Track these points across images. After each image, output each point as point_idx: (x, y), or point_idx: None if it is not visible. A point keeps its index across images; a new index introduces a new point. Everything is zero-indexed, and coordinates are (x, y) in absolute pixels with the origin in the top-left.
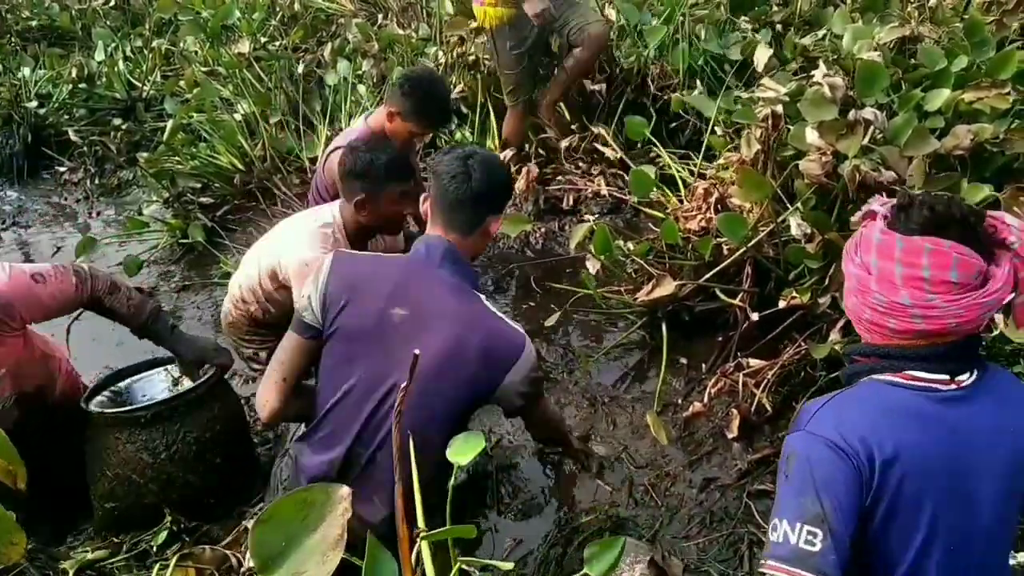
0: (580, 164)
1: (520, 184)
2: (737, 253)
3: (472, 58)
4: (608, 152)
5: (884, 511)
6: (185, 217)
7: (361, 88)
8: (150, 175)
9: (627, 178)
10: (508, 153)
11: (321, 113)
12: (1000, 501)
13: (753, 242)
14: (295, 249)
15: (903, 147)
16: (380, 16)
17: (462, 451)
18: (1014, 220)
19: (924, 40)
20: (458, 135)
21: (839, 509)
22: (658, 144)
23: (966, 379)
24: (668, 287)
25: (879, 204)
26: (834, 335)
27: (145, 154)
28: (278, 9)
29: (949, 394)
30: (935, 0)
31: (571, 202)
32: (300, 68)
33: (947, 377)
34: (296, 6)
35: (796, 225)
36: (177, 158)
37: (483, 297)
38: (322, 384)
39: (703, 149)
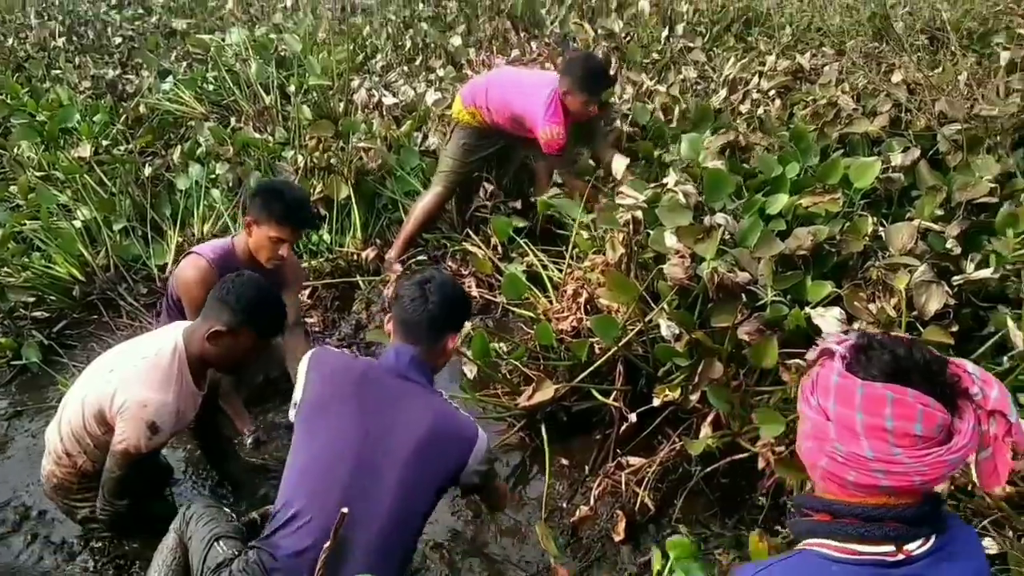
0: (450, 266)
1: (388, 291)
2: (609, 353)
3: (333, 160)
4: (479, 253)
5: None
6: (17, 335)
7: (215, 192)
8: None
9: (496, 280)
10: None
11: (171, 218)
12: None
13: (623, 342)
14: (137, 387)
15: (753, 249)
16: (233, 119)
17: None
18: (975, 369)
19: (755, 148)
20: (315, 237)
21: None
22: (529, 245)
23: (916, 548)
24: (548, 391)
25: (835, 342)
26: (705, 429)
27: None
28: (121, 112)
29: (892, 569)
30: (762, 110)
31: None
32: (147, 171)
33: (893, 548)
34: (142, 108)
35: (666, 327)
36: (7, 269)
37: (443, 394)
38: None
39: (571, 250)
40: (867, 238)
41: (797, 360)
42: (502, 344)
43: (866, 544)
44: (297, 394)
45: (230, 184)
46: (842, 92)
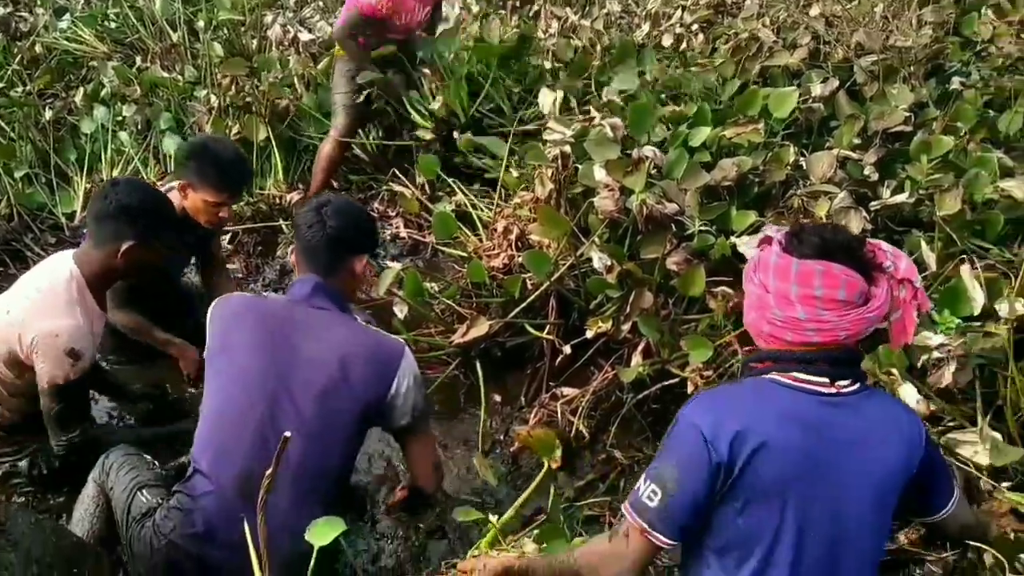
0: (377, 208)
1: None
2: (541, 288)
3: (248, 99)
4: (407, 193)
5: (742, 497)
6: None
7: (123, 135)
8: None
9: (425, 220)
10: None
11: (77, 164)
12: (867, 508)
13: (556, 276)
14: (40, 319)
15: (680, 181)
16: (139, 58)
17: (322, 533)
18: (888, 247)
19: (678, 82)
20: None
21: (682, 481)
22: (458, 184)
23: (846, 385)
24: (483, 327)
25: (774, 231)
26: (636, 358)
27: None
28: (16, 52)
29: (828, 397)
30: (685, 45)
31: None
32: (48, 115)
33: (827, 380)
34: (38, 48)
35: (598, 259)
36: None
37: (357, 317)
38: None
39: (499, 188)
40: (789, 167)
41: (723, 288)
42: (434, 284)
43: (806, 374)
44: (208, 340)
45: (138, 126)
46: (763, 26)
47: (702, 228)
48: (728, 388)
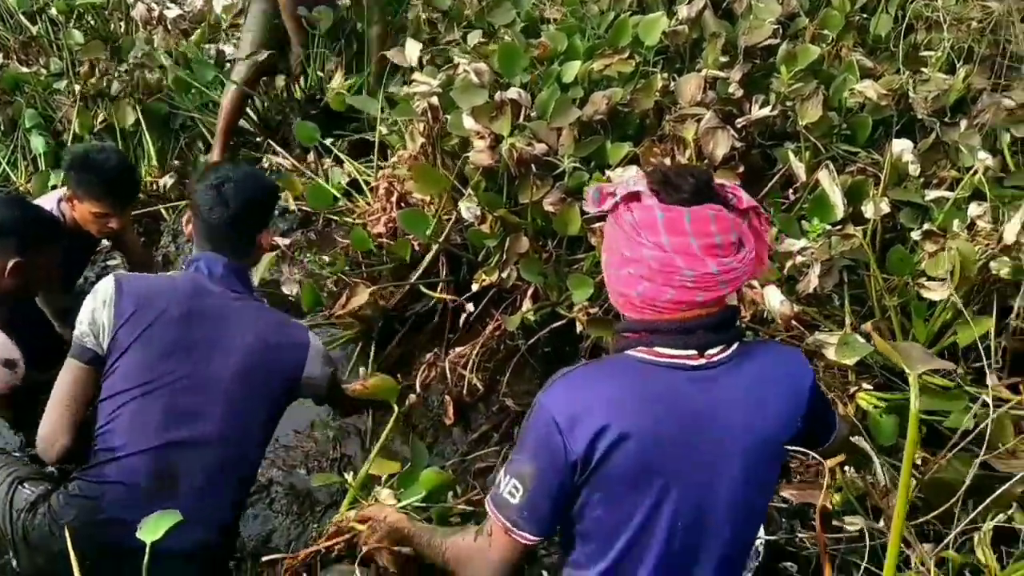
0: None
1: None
2: (431, 249)
3: (114, 85)
4: (286, 164)
5: (602, 490)
6: None
7: None
8: None
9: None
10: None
11: None
12: (741, 483)
13: (444, 235)
14: None
15: (550, 120)
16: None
17: (153, 529)
18: (726, 181)
19: (551, 21)
20: None
21: (540, 475)
22: (341, 151)
23: (717, 352)
24: (363, 295)
25: (634, 183)
26: (526, 303)
27: None
28: None
29: (697, 371)
30: None
31: None
32: None
33: (695, 352)
34: None
35: (466, 209)
36: None
37: (264, 302)
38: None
39: (377, 149)
40: (658, 94)
41: (603, 223)
42: (323, 257)
43: (672, 348)
44: (91, 316)
45: (2, 127)
46: None
47: (575, 166)
48: (588, 370)
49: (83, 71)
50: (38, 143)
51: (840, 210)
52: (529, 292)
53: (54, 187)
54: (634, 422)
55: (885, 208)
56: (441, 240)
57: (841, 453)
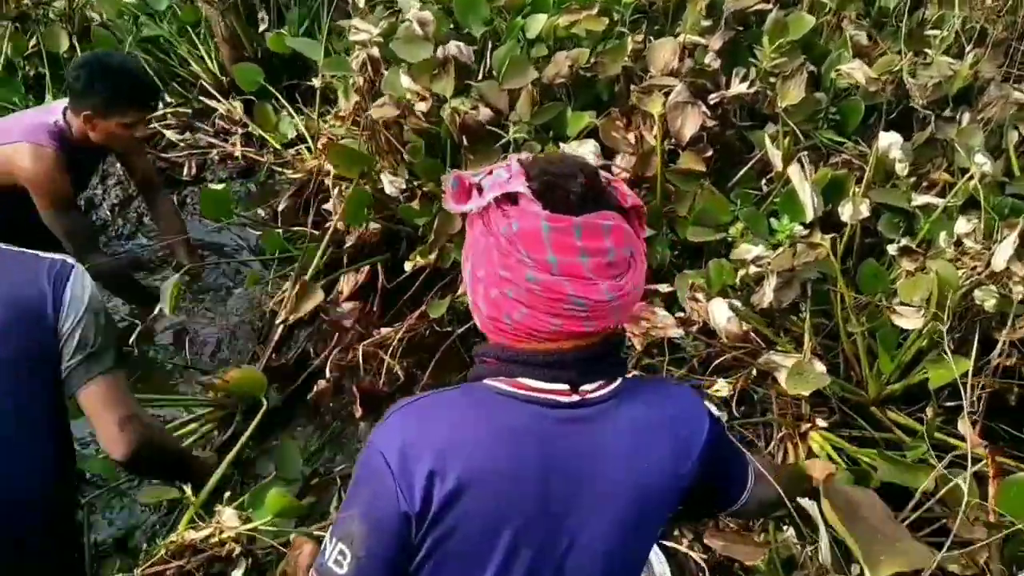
0: (217, 123)
1: (119, 165)
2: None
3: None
4: (230, 111)
5: (441, 550)
6: None
7: None
8: None
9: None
10: None
11: None
12: (617, 536)
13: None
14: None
15: (502, 80)
16: None
17: None
18: (607, 173)
19: None
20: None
21: (371, 541)
22: (281, 97)
23: (594, 389)
24: (316, 297)
25: (509, 179)
26: (461, 288)
27: None
28: None
29: (568, 409)
30: None
31: (194, 169)
32: None
33: (566, 387)
34: None
35: (389, 183)
36: None
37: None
38: None
39: (319, 98)
40: (628, 59)
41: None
42: (260, 212)
43: (539, 381)
44: None
45: None
46: None
47: (525, 136)
48: (432, 401)
49: None
50: None
51: (810, 211)
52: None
53: None
54: (481, 466)
55: (865, 211)
56: (374, 218)
57: (768, 514)
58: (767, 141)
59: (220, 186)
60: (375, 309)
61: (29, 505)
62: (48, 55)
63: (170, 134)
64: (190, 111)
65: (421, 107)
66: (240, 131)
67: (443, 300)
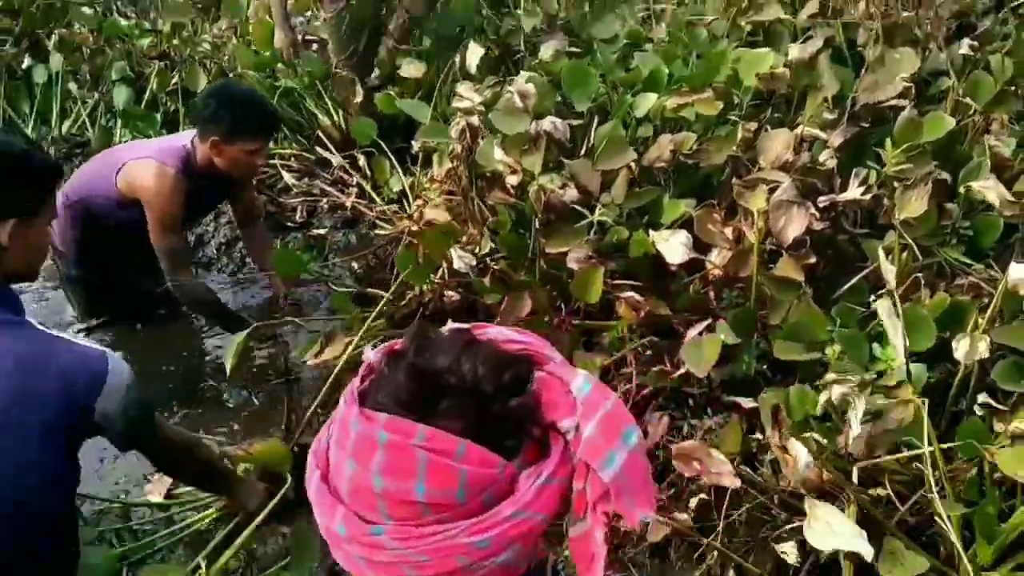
0: (335, 173)
1: None
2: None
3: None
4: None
5: None
6: None
7: (72, 86)
8: None
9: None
10: None
11: (31, 116)
12: None
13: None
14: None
15: (596, 160)
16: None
17: None
18: (584, 382)
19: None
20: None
21: None
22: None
23: None
24: (339, 345)
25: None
26: None
27: None
28: None
29: None
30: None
31: (304, 215)
32: None
33: None
34: None
35: (457, 258)
36: None
37: (35, 322)
38: None
39: (419, 162)
40: (739, 148)
41: (632, 293)
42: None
43: None
44: None
45: (88, 79)
46: None
47: (609, 219)
48: None
49: (165, 31)
50: (120, 96)
51: (900, 355)
52: None
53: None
54: None
55: (984, 351)
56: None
57: None
58: (880, 254)
59: (318, 234)
60: None
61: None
62: (185, 92)
63: (288, 178)
64: (312, 158)
65: (512, 180)
66: (355, 183)
67: None
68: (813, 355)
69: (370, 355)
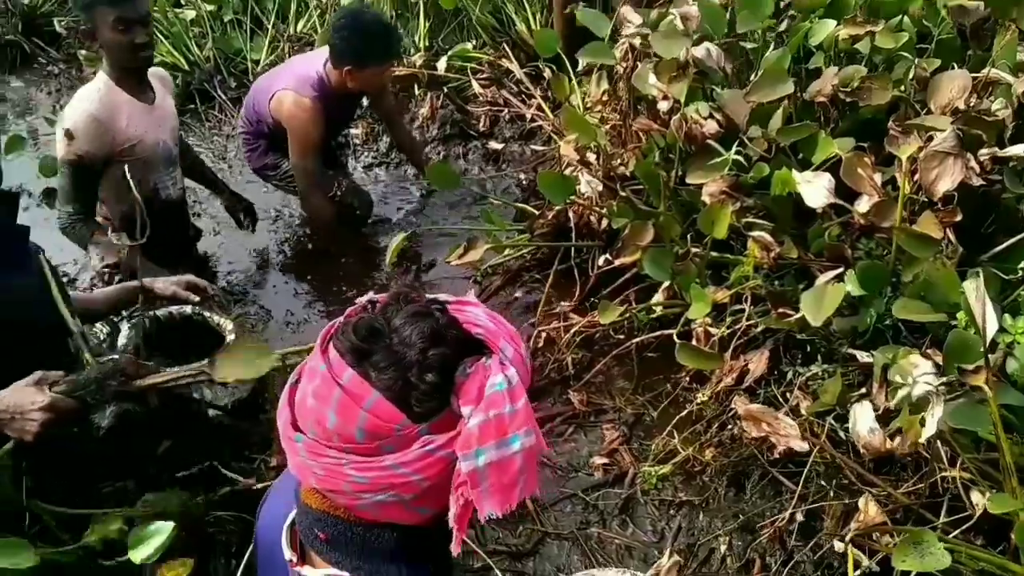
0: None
1: (424, 110)
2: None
3: None
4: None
5: None
6: None
7: None
8: (82, 78)
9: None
10: None
11: (273, 13)
12: None
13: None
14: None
15: (749, 91)
16: None
17: None
18: (497, 377)
19: None
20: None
21: None
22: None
23: None
24: (479, 250)
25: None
26: (659, 295)
27: (84, 52)
28: None
29: None
30: None
31: (487, 124)
32: None
33: None
34: None
35: (585, 183)
36: None
37: None
38: None
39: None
40: (907, 88)
41: (762, 233)
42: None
43: None
44: None
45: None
46: None
47: (763, 155)
48: None
49: None
50: None
51: (982, 344)
52: (665, 283)
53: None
54: None
55: None
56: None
57: None
58: None
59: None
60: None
61: None
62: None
63: (476, 86)
64: (503, 68)
65: (663, 106)
66: (538, 95)
67: (612, 307)
68: (938, 316)
69: (360, 301)
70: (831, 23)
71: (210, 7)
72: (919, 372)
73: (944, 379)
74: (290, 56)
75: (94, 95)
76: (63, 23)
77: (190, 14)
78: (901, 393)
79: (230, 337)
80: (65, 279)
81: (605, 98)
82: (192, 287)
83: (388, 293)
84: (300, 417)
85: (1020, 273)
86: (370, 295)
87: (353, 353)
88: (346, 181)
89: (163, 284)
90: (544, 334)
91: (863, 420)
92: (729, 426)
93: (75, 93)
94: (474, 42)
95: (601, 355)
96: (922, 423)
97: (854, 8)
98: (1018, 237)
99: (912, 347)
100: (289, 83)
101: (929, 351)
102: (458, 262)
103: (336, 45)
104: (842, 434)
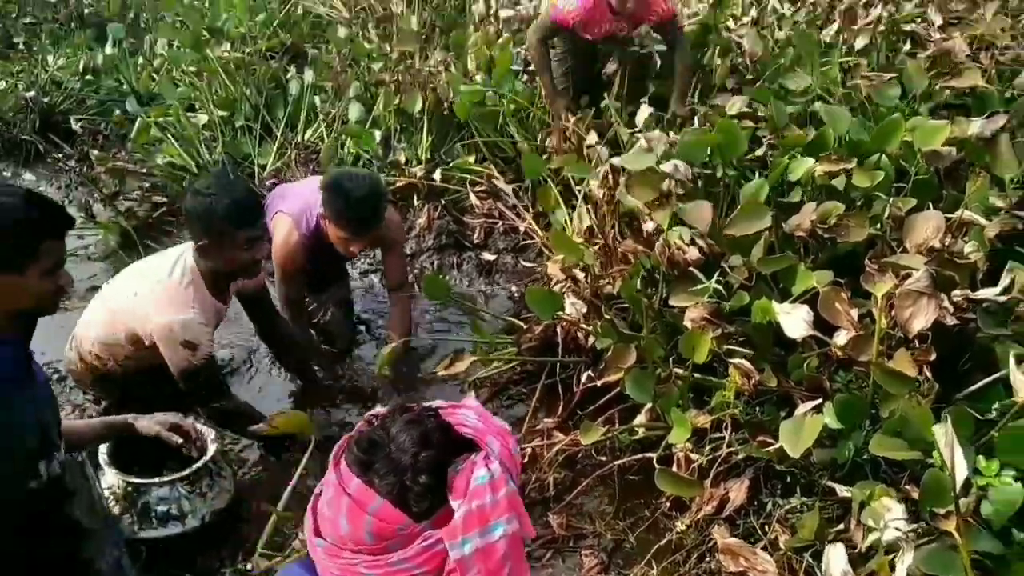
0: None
1: (422, 220)
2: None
3: (426, 72)
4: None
5: None
6: (129, 216)
7: (317, 99)
8: (93, 176)
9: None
10: None
11: (283, 121)
12: None
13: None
14: (158, 313)
15: (729, 224)
16: (371, 25)
17: None
18: (480, 471)
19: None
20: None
21: None
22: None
23: None
24: (464, 363)
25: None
26: (640, 417)
27: (96, 152)
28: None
29: None
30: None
31: (482, 236)
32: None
33: None
34: (299, 9)
35: (570, 304)
36: (139, 155)
37: None
38: None
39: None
40: (887, 225)
41: (742, 360)
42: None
43: None
44: None
45: (332, 94)
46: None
47: (743, 283)
48: None
49: (395, 57)
50: (354, 113)
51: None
52: (648, 406)
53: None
54: None
55: None
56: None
57: None
58: (1011, 362)
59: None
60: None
61: None
62: (402, 114)
63: (473, 198)
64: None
65: (648, 227)
66: (532, 214)
67: (593, 429)
68: (914, 455)
69: (365, 416)
70: (810, 160)
71: (223, 113)
72: (891, 516)
73: (915, 525)
74: (296, 163)
75: (188, 298)
76: (80, 122)
77: (203, 118)
78: (872, 537)
79: (212, 447)
80: (54, 376)
81: (590, 224)
82: (175, 428)
83: (388, 407)
84: (320, 524)
85: (994, 413)
86: (377, 409)
87: (358, 464)
88: (331, 311)
89: (147, 423)
90: (529, 450)
91: (836, 563)
92: (707, 559)
93: (148, 285)
94: (475, 156)
95: (583, 475)
96: (892, 567)
97: (832, 145)
98: (993, 377)
99: (891, 481)
100: (294, 208)
101: (907, 487)
102: (444, 373)
103: (323, 191)
104: (818, 572)
